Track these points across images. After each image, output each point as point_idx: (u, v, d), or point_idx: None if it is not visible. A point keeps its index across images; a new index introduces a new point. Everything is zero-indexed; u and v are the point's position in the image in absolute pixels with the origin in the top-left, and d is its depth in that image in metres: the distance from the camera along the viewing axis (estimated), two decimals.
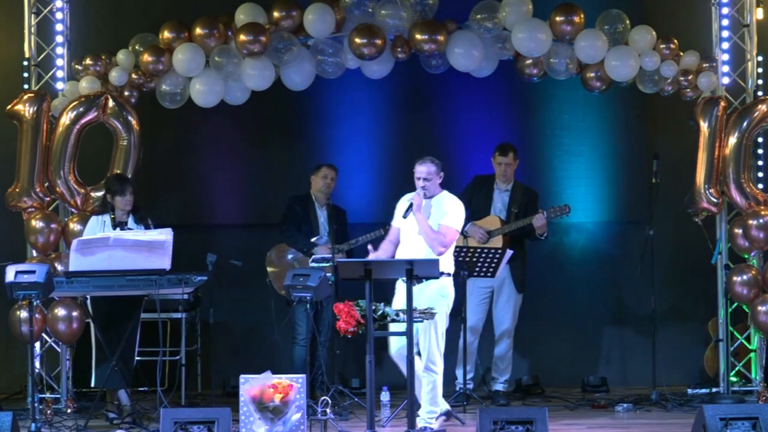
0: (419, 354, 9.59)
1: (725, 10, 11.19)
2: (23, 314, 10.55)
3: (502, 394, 11.28)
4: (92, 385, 10.54)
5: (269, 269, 11.26)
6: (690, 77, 11.06)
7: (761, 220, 10.90)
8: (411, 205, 9.63)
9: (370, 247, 9.80)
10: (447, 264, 9.65)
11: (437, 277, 9.48)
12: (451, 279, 9.72)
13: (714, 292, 11.36)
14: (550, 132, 12.36)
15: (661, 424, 10.16)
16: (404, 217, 9.68)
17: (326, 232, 11.17)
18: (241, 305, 12.01)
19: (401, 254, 9.64)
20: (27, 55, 11.22)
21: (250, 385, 9.06)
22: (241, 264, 10.73)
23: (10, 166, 11.05)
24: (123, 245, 9.88)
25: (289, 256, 11.28)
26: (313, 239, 11.11)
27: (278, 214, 11.41)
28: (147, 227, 10.30)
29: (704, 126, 11.05)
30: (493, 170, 11.37)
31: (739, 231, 11.05)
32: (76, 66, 11.11)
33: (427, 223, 9.61)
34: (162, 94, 11.13)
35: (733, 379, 11.29)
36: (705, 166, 11.04)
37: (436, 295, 9.59)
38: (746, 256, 11.19)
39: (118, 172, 10.82)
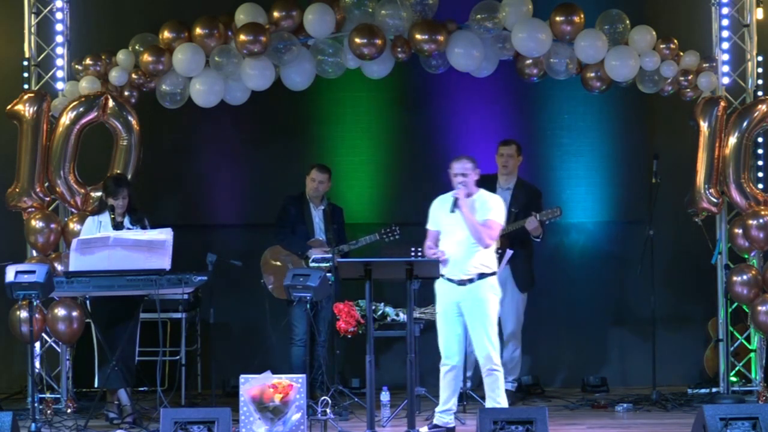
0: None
1: (725, 10, 11.18)
2: (23, 314, 10.55)
3: (508, 393, 11.23)
4: (96, 385, 10.56)
5: (264, 271, 11.24)
6: (690, 77, 11.06)
7: (761, 220, 10.89)
8: (456, 201, 9.63)
9: (438, 253, 9.66)
10: (493, 262, 9.72)
11: (437, 278, 9.50)
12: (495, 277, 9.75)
13: (714, 292, 11.35)
14: (550, 132, 12.34)
15: (661, 424, 10.16)
16: (452, 211, 9.61)
17: (322, 233, 11.16)
18: (241, 305, 12.00)
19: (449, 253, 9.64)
20: (27, 55, 11.22)
21: (250, 385, 9.06)
22: (241, 264, 10.73)
23: (10, 166, 11.05)
24: (123, 245, 9.88)
25: (284, 258, 11.26)
26: (308, 242, 11.12)
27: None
28: (144, 228, 10.30)
29: (704, 126, 11.04)
30: (496, 170, 11.33)
31: (739, 231, 11.05)
32: (76, 66, 11.11)
33: (473, 216, 9.62)
34: (162, 94, 11.13)
35: (733, 379, 11.28)
36: (705, 166, 11.04)
37: (490, 293, 9.68)
38: (746, 256, 11.19)
39: (118, 172, 10.82)
